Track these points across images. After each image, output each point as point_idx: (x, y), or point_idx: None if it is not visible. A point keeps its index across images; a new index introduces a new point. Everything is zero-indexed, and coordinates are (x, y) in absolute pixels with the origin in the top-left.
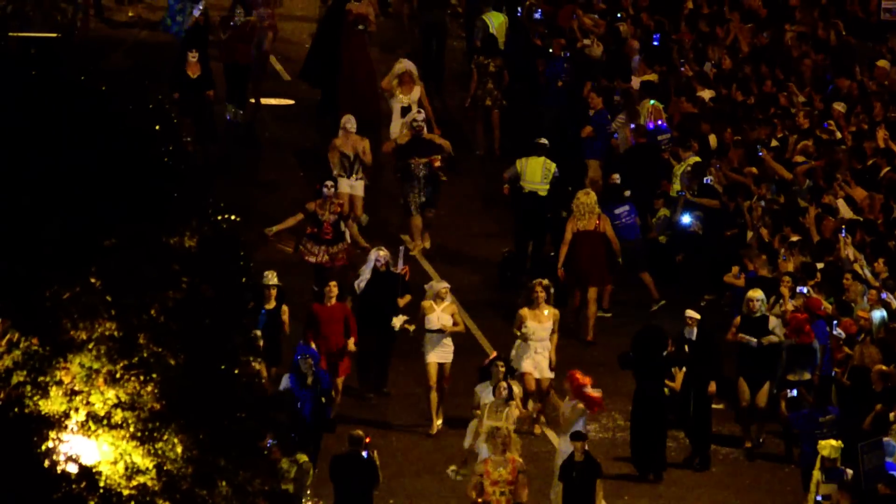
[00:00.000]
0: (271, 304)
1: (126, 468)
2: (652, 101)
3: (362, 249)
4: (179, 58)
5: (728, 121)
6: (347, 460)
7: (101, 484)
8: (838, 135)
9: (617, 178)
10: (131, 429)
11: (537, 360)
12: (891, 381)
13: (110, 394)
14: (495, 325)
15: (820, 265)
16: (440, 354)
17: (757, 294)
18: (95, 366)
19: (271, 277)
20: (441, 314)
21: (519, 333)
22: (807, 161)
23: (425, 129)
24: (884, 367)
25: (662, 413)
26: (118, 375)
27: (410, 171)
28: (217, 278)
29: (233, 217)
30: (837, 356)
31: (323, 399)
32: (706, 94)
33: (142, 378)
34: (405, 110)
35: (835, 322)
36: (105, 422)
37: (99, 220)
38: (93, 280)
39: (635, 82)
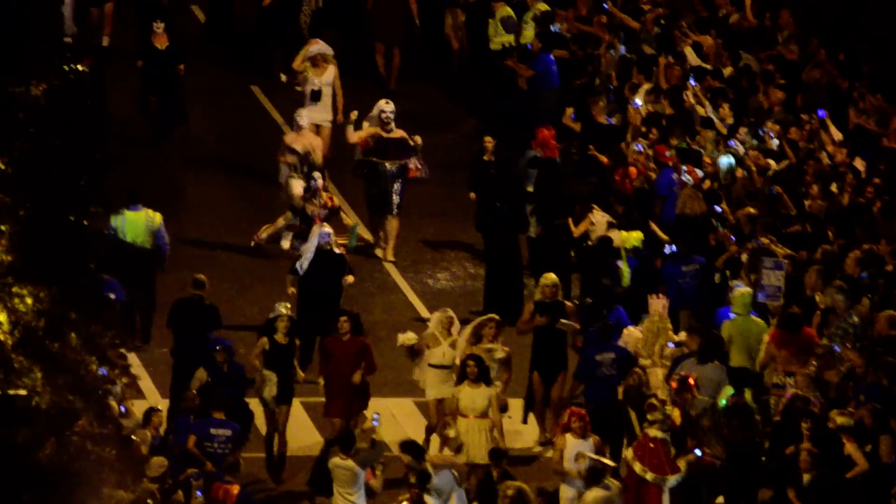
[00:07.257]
0: (284, 340)
1: None
2: None
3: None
4: (143, 28)
5: None
6: (188, 305)
7: None
8: None
9: None
10: None
11: None
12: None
13: None
14: None
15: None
16: (442, 389)
17: (551, 279)
18: None
19: (283, 309)
20: (447, 349)
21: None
22: (654, 9)
23: (394, 123)
24: (752, 210)
25: None
26: None
27: (379, 171)
28: (65, 128)
29: (80, 67)
30: None
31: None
32: None
33: None
34: (315, 93)
35: (683, 168)
36: None
37: None
38: None
39: None
